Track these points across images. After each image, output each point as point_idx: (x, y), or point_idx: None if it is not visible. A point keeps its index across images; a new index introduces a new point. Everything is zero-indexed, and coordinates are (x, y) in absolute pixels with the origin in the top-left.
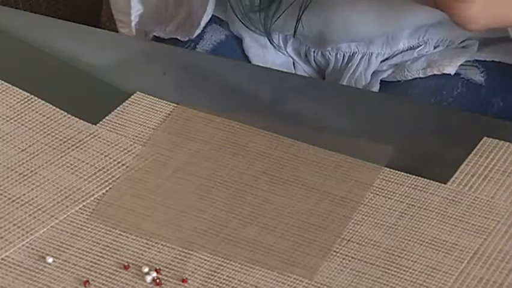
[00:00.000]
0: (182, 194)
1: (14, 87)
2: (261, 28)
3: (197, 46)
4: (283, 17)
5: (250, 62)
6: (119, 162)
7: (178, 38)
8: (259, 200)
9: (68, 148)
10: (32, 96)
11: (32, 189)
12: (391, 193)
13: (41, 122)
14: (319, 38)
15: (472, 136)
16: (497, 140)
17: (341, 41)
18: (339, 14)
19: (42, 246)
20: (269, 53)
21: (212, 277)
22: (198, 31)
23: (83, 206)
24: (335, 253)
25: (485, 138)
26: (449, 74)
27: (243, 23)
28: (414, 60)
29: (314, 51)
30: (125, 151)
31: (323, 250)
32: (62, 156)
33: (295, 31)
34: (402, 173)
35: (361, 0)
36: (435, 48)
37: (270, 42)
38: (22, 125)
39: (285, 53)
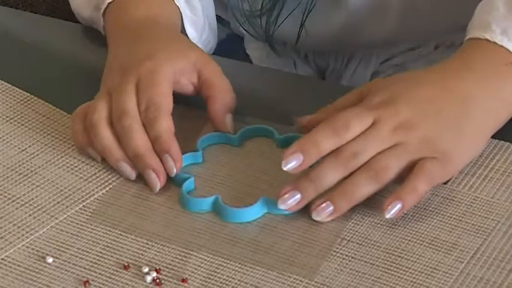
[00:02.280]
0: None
1: (13, 87)
2: (262, 34)
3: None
4: (283, 24)
5: (251, 60)
6: None
7: None
8: None
9: (68, 148)
10: (32, 96)
11: (32, 189)
12: (391, 193)
13: (41, 122)
14: (320, 45)
15: None
16: (497, 140)
17: (342, 47)
18: (343, 21)
19: (43, 246)
20: (269, 52)
21: (212, 277)
22: None
23: (83, 206)
24: (334, 253)
25: None
26: None
27: (244, 28)
28: (414, 61)
29: (314, 51)
30: None
31: (323, 250)
32: (62, 157)
33: (298, 38)
34: None
35: (365, 8)
36: (435, 49)
37: (272, 49)
38: (22, 125)
39: (286, 53)
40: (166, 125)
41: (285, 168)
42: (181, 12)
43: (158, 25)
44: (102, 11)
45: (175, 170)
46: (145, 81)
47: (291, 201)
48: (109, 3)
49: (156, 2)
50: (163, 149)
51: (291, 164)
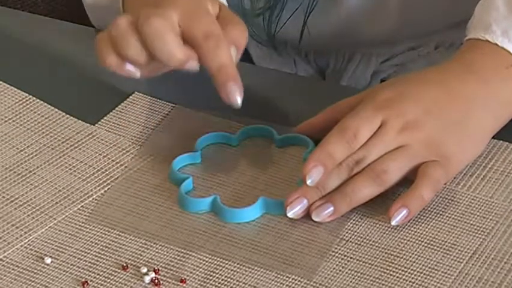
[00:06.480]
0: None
1: (12, 87)
2: (264, 34)
3: None
4: (284, 24)
5: (251, 59)
6: (117, 163)
7: None
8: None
9: (67, 148)
10: (30, 96)
11: (31, 189)
12: (390, 193)
13: (39, 123)
14: (320, 44)
15: None
16: (495, 140)
17: (344, 45)
18: (343, 20)
19: (41, 246)
20: (270, 51)
21: (210, 277)
22: None
23: (82, 206)
24: (333, 253)
25: None
26: None
27: None
28: (414, 61)
29: (314, 51)
30: (124, 151)
31: (322, 250)
32: (60, 157)
33: (301, 38)
34: None
35: (365, 7)
36: (435, 49)
37: (274, 49)
38: (20, 125)
39: (286, 52)
40: (229, 54)
41: (308, 182)
42: None
43: None
44: None
45: (239, 100)
46: (191, 12)
47: (298, 208)
48: None
49: None
50: (230, 77)
51: (314, 177)
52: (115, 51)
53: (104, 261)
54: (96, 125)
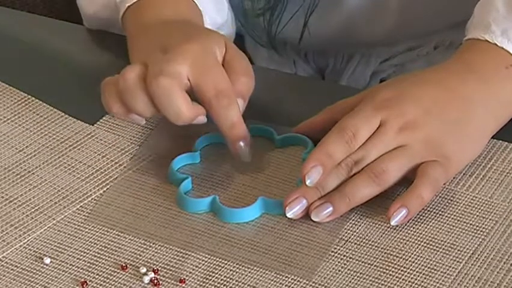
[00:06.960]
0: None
1: (11, 87)
2: (264, 35)
3: None
4: (286, 25)
5: (251, 59)
6: (116, 163)
7: None
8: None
9: (66, 148)
10: (29, 96)
11: (30, 189)
12: (389, 193)
13: (38, 123)
14: (320, 44)
15: None
16: (495, 140)
17: (343, 45)
18: (342, 20)
19: (40, 247)
20: (270, 52)
21: (210, 277)
22: None
23: (81, 206)
24: (333, 253)
25: None
26: None
27: (245, 29)
28: (414, 61)
29: (314, 51)
30: (123, 151)
31: (321, 250)
32: (59, 157)
33: (301, 38)
34: None
35: (364, 7)
36: (435, 49)
37: (274, 50)
38: (19, 125)
39: (286, 53)
40: (239, 112)
41: (308, 182)
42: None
43: (187, 21)
44: (121, 13)
45: (249, 158)
46: (201, 63)
47: (298, 208)
48: (129, 6)
49: (182, 4)
50: (240, 137)
51: (313, 177)
52: (121, 101)
53: (103, 261)
54: (95, 125)
